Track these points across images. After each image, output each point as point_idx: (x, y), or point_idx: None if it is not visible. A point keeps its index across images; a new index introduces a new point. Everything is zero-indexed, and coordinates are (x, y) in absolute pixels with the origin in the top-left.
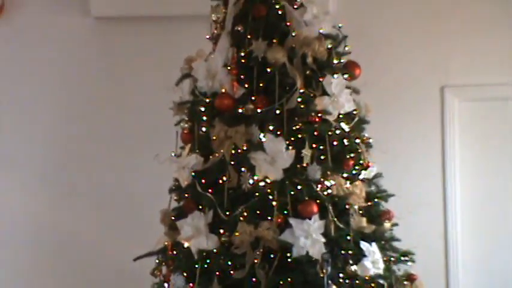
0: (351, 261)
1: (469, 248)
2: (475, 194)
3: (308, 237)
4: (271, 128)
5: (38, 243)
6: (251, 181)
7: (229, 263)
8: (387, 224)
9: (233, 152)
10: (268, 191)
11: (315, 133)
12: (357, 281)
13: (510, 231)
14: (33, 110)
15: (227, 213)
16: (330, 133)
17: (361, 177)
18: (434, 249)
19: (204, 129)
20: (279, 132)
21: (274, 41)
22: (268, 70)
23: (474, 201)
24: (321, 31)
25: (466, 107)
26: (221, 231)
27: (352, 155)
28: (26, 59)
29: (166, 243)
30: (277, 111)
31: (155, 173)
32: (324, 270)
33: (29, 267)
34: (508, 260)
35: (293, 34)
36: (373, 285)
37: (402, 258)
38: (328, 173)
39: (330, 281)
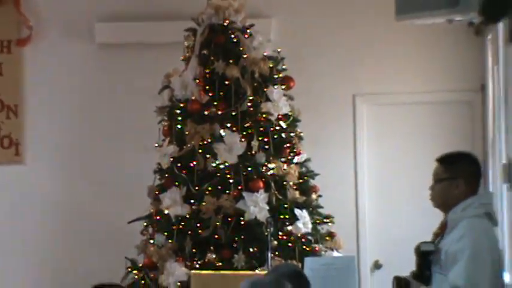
0: (287, 223)
1: (373, 212)
2: (378, 173)
3: (256, 205)
4: (228, 125)
5: (58, 212)
6: (214, 164)
7: (198, 225)
8: (314, 196)
9: (201, 143)
10: (227, 171)
11: (261, 129)
12: (292, 238)
13: (402, 200)
14: (54, 113)
15: (196, 188)
16: (272, 129)
17: (295, 161)
18: (348, 214)
19: (179, 126)
20: (234, 129)
21: (231, 61)
22: (227, 83)
23: (378, 179)
24: (265, 54)
25: (373, 109)
26: (192, 201)
27: (288, 145)
28: (48, 76)
29: (151, 210)
30: (233, 113)
31: (143, 159)
32: (268, 230)
33: (52, 229)
34: (401, 219)
35: (244, 56)
36: (303, 240)
37: (325, 220)
38: (271, 158)
39: (272, 238)
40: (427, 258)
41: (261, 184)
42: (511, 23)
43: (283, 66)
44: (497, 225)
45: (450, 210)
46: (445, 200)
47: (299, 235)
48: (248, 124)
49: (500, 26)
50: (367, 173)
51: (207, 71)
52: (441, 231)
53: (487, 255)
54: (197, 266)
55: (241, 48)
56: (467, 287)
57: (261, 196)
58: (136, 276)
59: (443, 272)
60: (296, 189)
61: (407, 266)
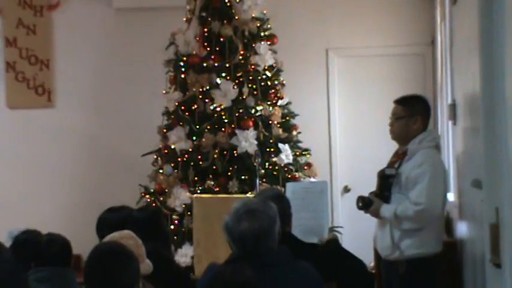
0: (272, 155)
1: (343, 146)
2: (347, 114)
3: (247, 141)
4: (223, 75)
5: (84, 146)
6: (212, 107)
7: (199, 157)
8: (294, 132)
9: (200, 90)
10: (222, 113)
11: (250, 78)
12: (276, 167)
13: (367, 136)
14: (79, 66)
15: (197, 127)
16: (259, 78)
17: (278, 104)
18: (323, 147)
19: (182, 76)
20: (228, 78)
21: (225, 22)
22: (222, 40)
23: (347, 118)
24: (253, 15)
25: (342, 61)
26: (194, 138)
27: (273, 90)
28: (73, 35)
29: (160, 146)
30: (227, 65)
31: (154, 103)
32: (256, 161)
33: (79, 160)
34: (366, 151)
35: (236, 18)
36: (286, 169)
37: (303, 153)
38: (259, 102)
39: (260, 167)
40: (388, 180)
41: (251, 123)
42: None
43: (269, 26)
44: (440, 154)
45: (409, 142)
46: (404, 134)
47: (282, 165)
48: (240, 74)
49: None
50: (338, 113)
51: (205, 30)
52: (397, 159)
53: (441, 178)
54: (198, 191)
55: (233, 11)
56: (428, 202)
57: (251, 133)
58: (148, 200)
59: (403, 192)
60: (279, 127)
61: (371, 190)
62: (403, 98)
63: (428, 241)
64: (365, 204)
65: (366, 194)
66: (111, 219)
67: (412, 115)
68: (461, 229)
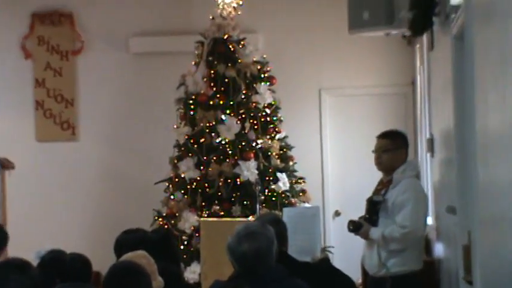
0: (271, 183)
1: (334, 175)
2: (338, 146)
3: (248, 170)
4: (228, 112)
5: (103, 175)
6: (217, 140)
7: (206, 185)
8: (291, 163)
9: (207, 125)
10: (227, 145)
11: (252, 114)
12: (275, 194)
13: (355, 166)
14: (100, 104)
15: (204, 158)
16: (259, 114)
17: (276, 137)
18: (316, 176)
19: (191, 112)
20: (232, 114)
21: (229, 64)
22: (226, 80)
23: (337, 150)
24: (254, 59)
25: (334, 99)
26: (201, 167)
27: (271, 126)
28: (95, 77)
29: (172, 174)
30: (231, 103)
31: (166, 137)
32: (257, 188)
33: (99, 187)
34: (354, 179)
35: (239, 61)
36: (283, 195)
37: (299, 181)
38: (259, 136)
39: (260, 194)
40: (376, 206)
41: (252, 155)
42: (432, 35)
43: (268, 68)
44: (420, 182)
45: (393, 172)
46: (392, 165)
47: (280, 192)
48: (242, 111)
49: (424, 38)
50: (329, 146)
51: (212, 72)
52: (383, 187)
53: (423, 203)
54: (205, 215)
55: (236, 55)
56: (412, 225)
57: (252, 163)
58: (161, 223)
59: (390, 216)
60: (277, 158)
61: (359, 214)
62: (387, 133)
63: (411, 260)
64: (355, 227)
65: (354, 217)
66: (127, 240)
67: (397, 147)
68: (439, 249)
